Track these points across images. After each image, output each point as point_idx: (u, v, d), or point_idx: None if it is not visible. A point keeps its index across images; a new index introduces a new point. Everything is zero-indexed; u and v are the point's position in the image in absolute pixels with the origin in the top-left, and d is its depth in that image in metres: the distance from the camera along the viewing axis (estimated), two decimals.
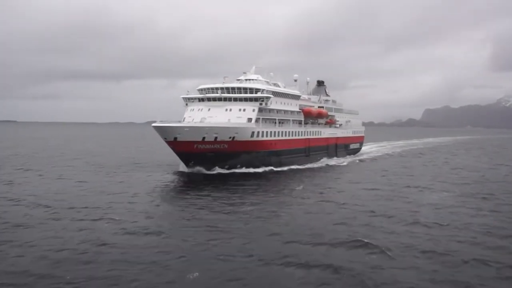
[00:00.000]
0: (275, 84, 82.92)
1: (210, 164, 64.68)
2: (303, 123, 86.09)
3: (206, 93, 73.29)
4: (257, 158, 69.38)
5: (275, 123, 76.31)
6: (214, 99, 71.87)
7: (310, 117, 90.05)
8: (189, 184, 56.38)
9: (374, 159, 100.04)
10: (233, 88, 72.20)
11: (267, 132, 71.67)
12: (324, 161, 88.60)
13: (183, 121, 71.82)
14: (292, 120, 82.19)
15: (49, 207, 38.93)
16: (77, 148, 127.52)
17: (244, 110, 70.22)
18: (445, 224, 34.37)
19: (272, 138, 73.13)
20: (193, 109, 73.09)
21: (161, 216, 36.78)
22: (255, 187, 52.72)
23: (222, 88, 72.57)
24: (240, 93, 71.75)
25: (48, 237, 29.36)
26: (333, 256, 26.26)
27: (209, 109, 71.60)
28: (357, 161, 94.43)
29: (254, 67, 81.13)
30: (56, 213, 36.69)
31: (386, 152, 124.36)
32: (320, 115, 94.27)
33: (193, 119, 71.39)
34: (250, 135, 67.75)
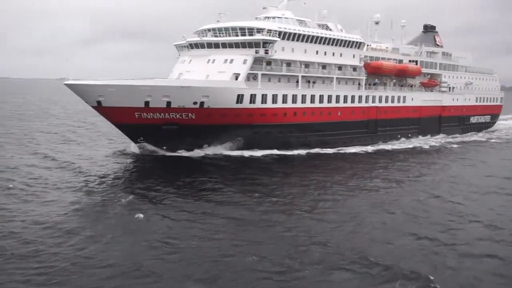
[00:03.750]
0: (322, 26, 55.62)
1: (173, 141, 43.26)
2: (363, 83, 56.83)
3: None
4: (256, 135, 45.29)
5: (298, 82, 49.86)
6: (197, 46, 48.93)
7: (380, 74, 59.87)
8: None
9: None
10: (226, 29, 47.94)
11: (273, 95, 46.46)
12: (404, 141, 59.18)
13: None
14: (338, 78, 53.87)
15: None
16: None
17: (231, 61, 45.88)
18: None
19: (289, 105, 47.61)
20: (179, 61, 51.68)
21: None
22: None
23: (213, 30, 49.03)
24: (232, 35, 47.18)
25: None
26: None
27: (190, 60, 49.26)
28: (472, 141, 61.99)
29: (286, 0, 54.58)
30: None
31: None
32: (403, 73, 62.61)
33: (173, 76, 50.28)
34: (235, 100, 43.74)
